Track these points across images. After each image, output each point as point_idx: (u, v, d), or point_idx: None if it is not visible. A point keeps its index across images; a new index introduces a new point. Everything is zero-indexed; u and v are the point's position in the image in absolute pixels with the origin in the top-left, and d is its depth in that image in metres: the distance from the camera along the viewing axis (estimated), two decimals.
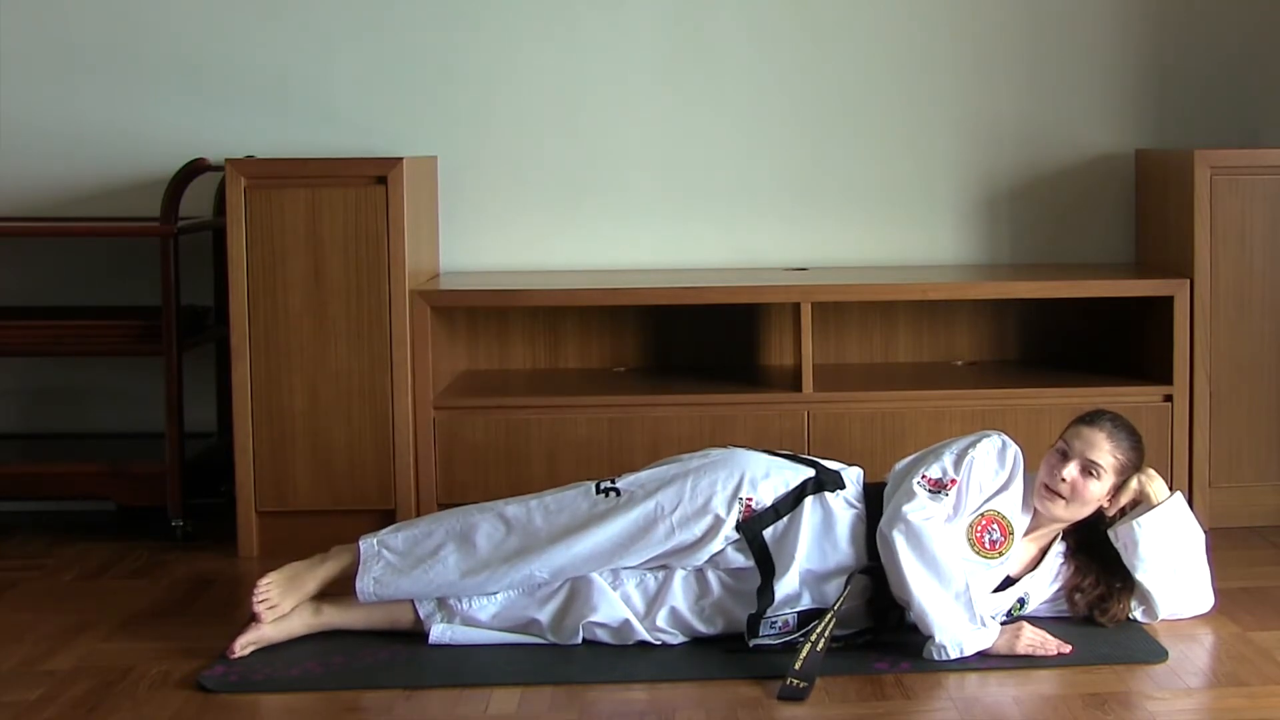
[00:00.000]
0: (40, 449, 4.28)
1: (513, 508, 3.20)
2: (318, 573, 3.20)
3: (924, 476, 3.12)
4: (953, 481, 3.12)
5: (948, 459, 3.15)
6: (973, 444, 3.18)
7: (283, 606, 3.15)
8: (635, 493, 3.18)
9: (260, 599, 3.13)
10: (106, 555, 3.88)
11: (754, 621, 3.09)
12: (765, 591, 3.11)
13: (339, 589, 3.21)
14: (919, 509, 3.06)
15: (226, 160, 3.87)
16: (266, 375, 3.86)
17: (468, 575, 3.13)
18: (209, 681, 2.96)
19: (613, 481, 3.22)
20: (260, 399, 3.86)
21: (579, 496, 3.19)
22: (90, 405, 4.41)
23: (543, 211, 4.42)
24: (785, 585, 3.12)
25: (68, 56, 4.33)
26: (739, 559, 3.15)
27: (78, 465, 3.99)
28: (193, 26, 4.33)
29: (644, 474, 3.24)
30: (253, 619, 3.13)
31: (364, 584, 3.15)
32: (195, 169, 3.98)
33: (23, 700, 2.90)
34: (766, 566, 3.14)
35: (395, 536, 3.19)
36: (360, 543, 3.18)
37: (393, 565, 3.15)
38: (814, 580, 3.14)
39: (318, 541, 3.86)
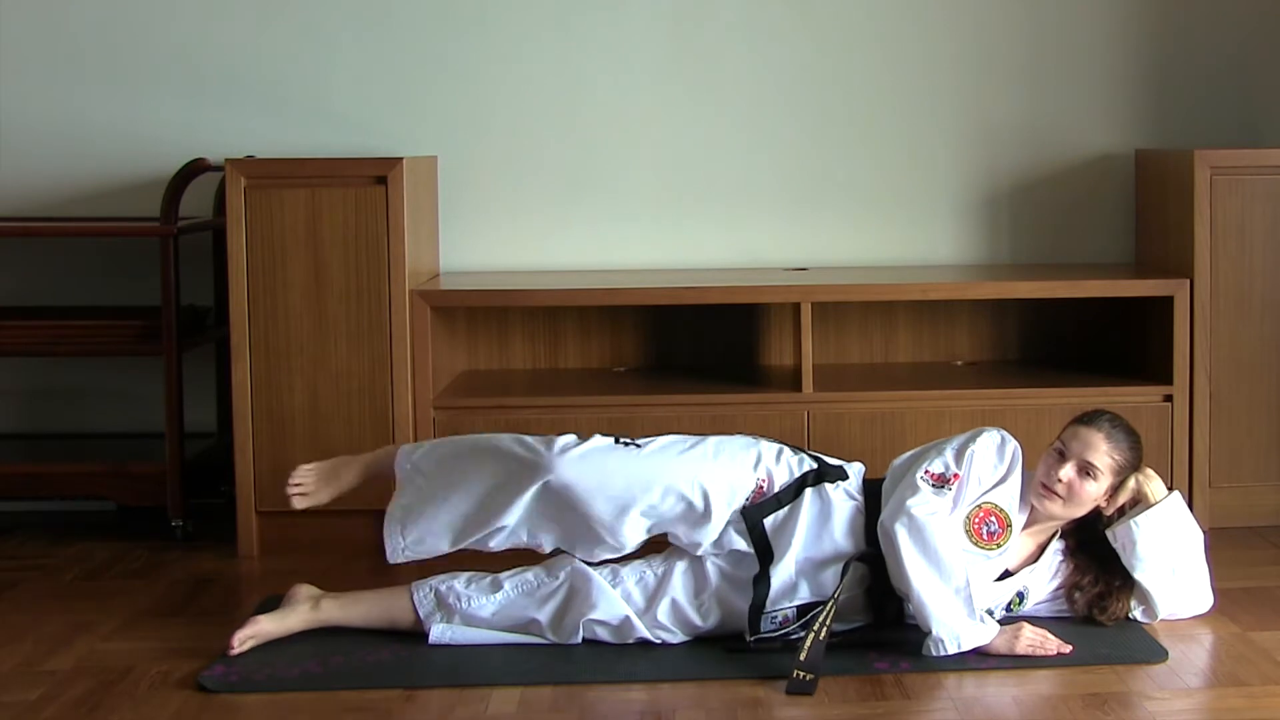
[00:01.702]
0: (40, 449, 4.28)
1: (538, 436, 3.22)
2: (354, 467, 3.25)
3: (927, 471, 3.12)
4: (955, 476, 3.13)
5: (950, 454, 3.16)
6: (973, 438, 3.19)
7: (318, 496, 3.19)
8: (659, 440, 3.20)
9: (295, 484, 3.16)
10: (106, 555, 3.88)
11: (754, 616, 3.09)
12: (762, 579, 3.11)
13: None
14: (922, 503, 3.07)
15: (226, 160, 3.87)
16: (266, 375, 3.86)
17: (491, 494, 3.13)
18: (209, 681, 2.96)
19: (630, 440, 3.22)
20: (260, 399, 3.86)
21: (597, 440, 3.20)
22: (90, 405, 4.41)
23: (543, 211, 4.42)
24: (781, 572, 3.12)
25: (68, 56, 4.33)
26: (740, 542, 3.15)
27: (78, 465, 3.99)
28: (193, 26, 4.33)
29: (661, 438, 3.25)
30: (247, 622, 3.14)
31: (393, 511, 3.18)
32: (195, 169, 3.98)
33: (23, 700, 2.90)
34: (764, 554, 3.14)
35: (428, 458, 3.20)
36: (397, 467, 3.20)
37: (422, 491, 3.17)
38: (811, 569, 3.14)
39: (318, 541, 3.88)
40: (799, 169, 4.44)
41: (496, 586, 3.17)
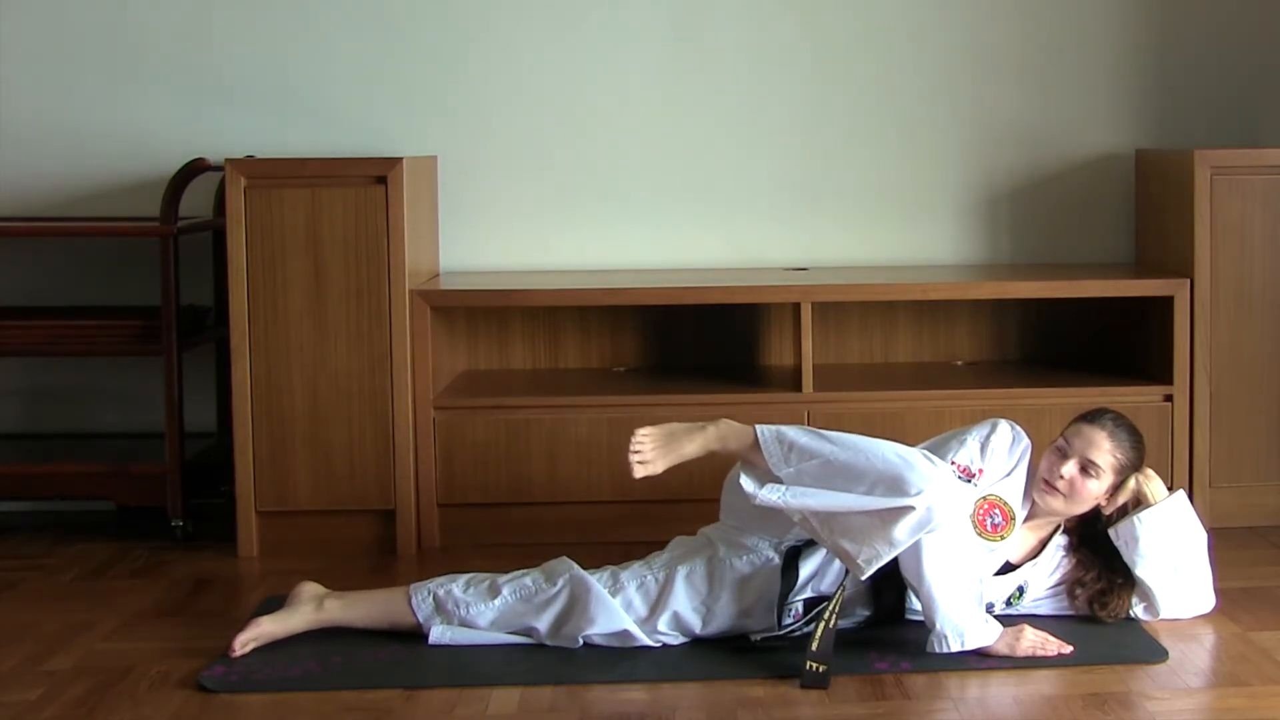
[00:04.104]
0: (40, 449, 4.27)
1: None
2: (698, 441, 3.11)
3: (953, 463, 3.12)
4: (980, 471, 3.15)
5: (974, 446, 3.17)
6: (992, 431, 3.21)
7: (655, 466, 3.09)
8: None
9: (635, 450, 3.07)
10: (106, 555, 3.88)
11: (781, 606, 3.09)
12: (791, 569, 3.12)
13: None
14: None
15: (226, 160, 3.87)
16: (266, 375, 3.86)
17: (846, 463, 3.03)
18: (209, 681, 2.96)
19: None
20: (260, 399, 3.86)
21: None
22: (90, 405, 4.41)
23: (543, 211, 4.42)
24: (808, 566, 3.13)
25: (68, 56, 4.33)
26: (774, 557, 3.16)
27: (78, 465, 3.99)
28: (192, 27, 4.33)
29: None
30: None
31: (778, 496, 3.01)
32: (195, 169, 3.98)
33: (23, 700, 2.90)
34: (792, 552, 3.15)
35: (800, 438, 3.06)
36: (759, 434, 3.06)
37: (807, 472, 3.02)
38: (823, 560, 3.15)
39: (318, 542, 3.88)
40: (799, 169, 4.44)
41: (495, 592, 3.16)
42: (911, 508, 2.96)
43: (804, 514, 3.03)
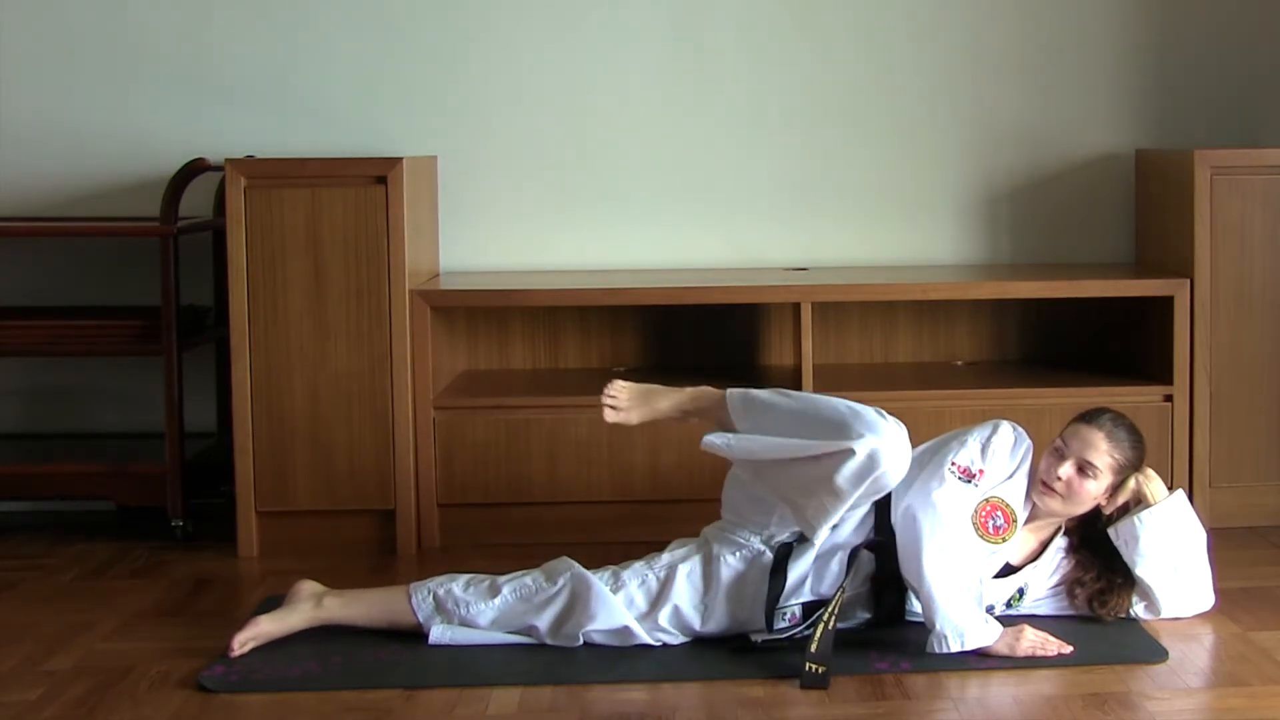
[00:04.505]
0: (40, 449, 4.27)
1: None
2: (671, 398, 3.23)
3: (954, 463, 3.12)
4: (980, 472, 3.15)
5: (974, 447, 3.17)
6: (994, 431, 3.20)
7: (629, 415, 3.20)
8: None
9: (609, 398, 3.18)
10: (106, 555, 3.88)
11: (770, 610, 3.09)
12: (779, 573, 3.11)
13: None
14: (948, 495, 3.08)
15: (226, 160, 3.87)
16: (266, 375, 3.86)
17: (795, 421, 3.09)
18: (209, 681, 2.96)
19: None
20: (260, 399, 3.86)
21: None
22: (90, 405, 4.41)
23: (543, 211, 4.42)
24: (799, 567, 3.12)
25: (68, 56, 4.33)
26: (764, 550, 3.15)
27: (78, 465, 3.99)
28: (192, 27, 4.33)
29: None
30: (251, 621, 3.14)
31: (724, 441, 3.12)
32: (195, 169, 3.98)
33: (23, 700, 2.90)
34: (782, 550, 3.15)
35: (763, 395, 3.16)
36: (728, 394, 3.18)
37: (759, 424, 3.11)
38: (820, 562, 3.14)
39: (318, 542, 3.88)
40: (799, 169, 4.44)
41: (495, 591, 3.16)
42: (851, 451, 2.96)
43: (754, 465, 3.08)
